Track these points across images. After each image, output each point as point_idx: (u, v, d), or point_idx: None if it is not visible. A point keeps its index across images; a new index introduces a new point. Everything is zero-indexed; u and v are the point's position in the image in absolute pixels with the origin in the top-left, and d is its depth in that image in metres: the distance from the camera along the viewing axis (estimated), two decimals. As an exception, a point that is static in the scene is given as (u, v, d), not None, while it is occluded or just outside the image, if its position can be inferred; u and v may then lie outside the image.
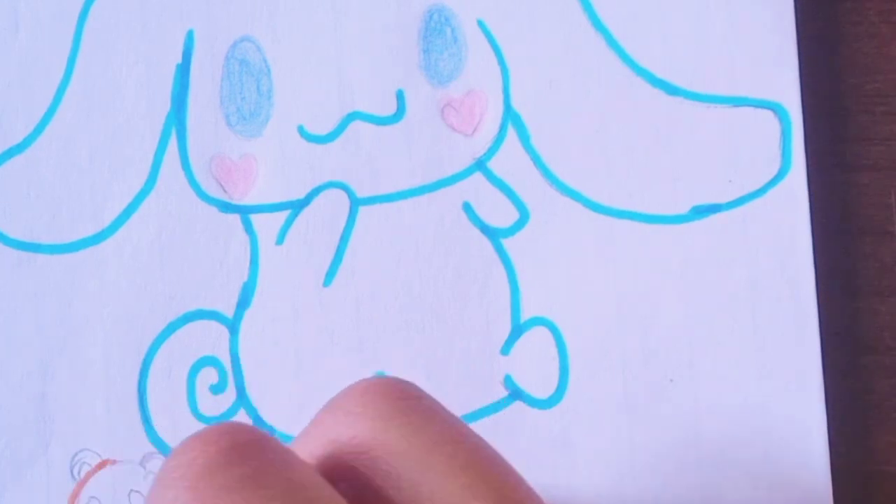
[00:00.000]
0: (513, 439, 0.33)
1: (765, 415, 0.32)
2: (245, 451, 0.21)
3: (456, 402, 0.33)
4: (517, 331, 0.33)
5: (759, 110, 0.33)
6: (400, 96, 0.34)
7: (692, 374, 0.33)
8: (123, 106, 0.34)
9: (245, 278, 0.33)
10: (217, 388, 0.33)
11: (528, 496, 0.22)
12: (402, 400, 0.23)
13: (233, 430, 0.22)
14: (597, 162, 0.33)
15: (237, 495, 0.20)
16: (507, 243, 0.33)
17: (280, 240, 0.33)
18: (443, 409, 0.24)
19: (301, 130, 0.34)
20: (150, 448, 0.33)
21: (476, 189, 0.33)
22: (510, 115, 0.33)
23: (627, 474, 0.33)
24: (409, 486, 0.22)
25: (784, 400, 0.32)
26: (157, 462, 0.33)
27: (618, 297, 0.33)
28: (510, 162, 0.33)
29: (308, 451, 0.23)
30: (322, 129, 0.34)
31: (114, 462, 0.33)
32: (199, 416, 0.33)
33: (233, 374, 0.33)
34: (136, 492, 0.33)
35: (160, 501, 0.21)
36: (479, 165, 0.33)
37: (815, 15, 0.34)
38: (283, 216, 0.34)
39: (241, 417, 0.33)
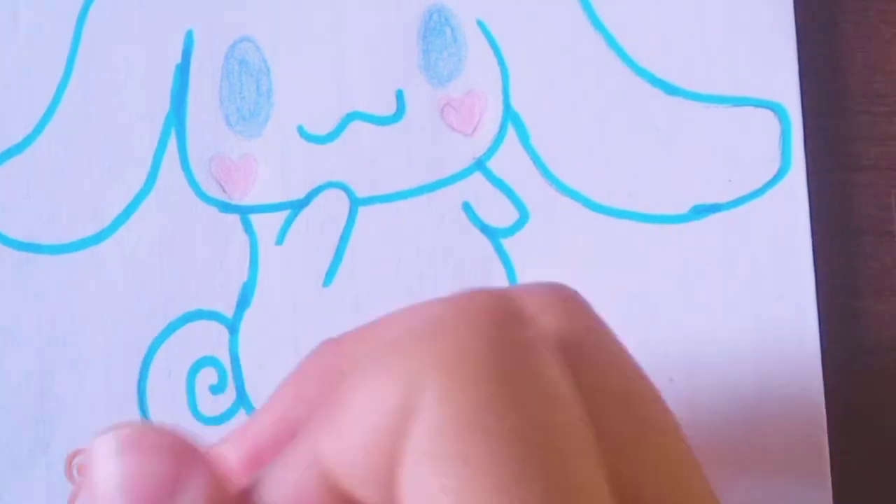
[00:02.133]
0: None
1: (764, 415, 0.32)
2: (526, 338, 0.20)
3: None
4: (517, 331, 0.33)
5: (759, 110, 0.33)
6: (399, 96, 0.34)
7: (692, 373, 0.33)
8: (123, 106, 0.34)
9: (245, 278, 0.33)
10: (217, 389, 0.33)
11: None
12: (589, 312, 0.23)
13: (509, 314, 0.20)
14: (596, 162, 0.33)
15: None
16: (506, 243, 0.33)
17: (280, 240, 0.33)
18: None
19: (301, 130, 0.34)
20: (150, 448, 0.33)
21: (476, 189, 0.33)
22: (510, 115, 0.33)
23: (627, 474, 0.33)
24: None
25: (784, 400, 0.32)
26: (156, 462, 0.33)
27: (617, 296, 0.33)
28: (510, 162, 0.33)
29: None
30: (322, 129, 0.34)
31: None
32: (198, 417, 0.33)
33: (232, 374, 0.33)
34: (136, 492, 0.33)
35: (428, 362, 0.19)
36: (479, 165, 0.33)
37: (814, 15, 0.34)
38: (282, 216, 0.34)
39: (241, 418, 0.33)
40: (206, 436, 0.33)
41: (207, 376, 0.33)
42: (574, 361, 0.21)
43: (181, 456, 0.20)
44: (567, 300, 0.23)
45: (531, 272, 0.33)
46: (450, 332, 0.19)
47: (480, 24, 0.34)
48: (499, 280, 0.33)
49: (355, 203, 0.33)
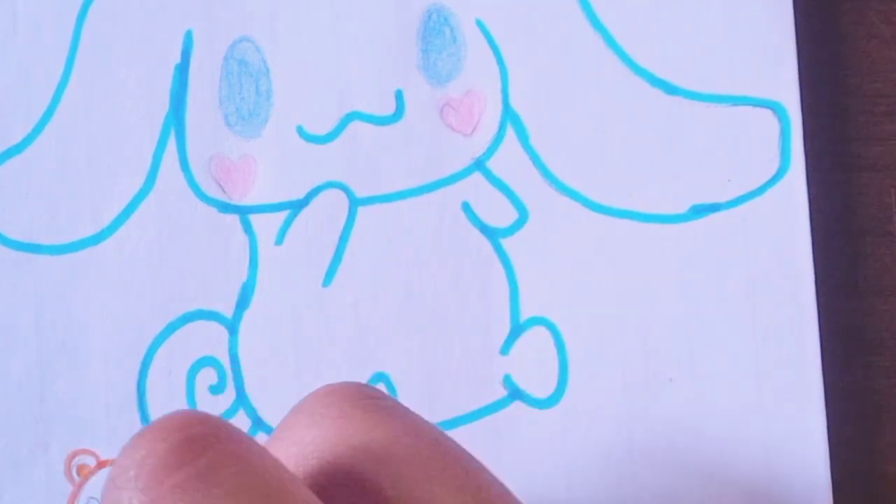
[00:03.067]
0: (512, 439, 0.33)
1: (764, 415, 0.32)
2: (197, 445, 0.20)
3: (455, 402, 0.33)
4: (516, 331, 0.33)
5: (759, 109, 0.33)
6: (399, 96, 0.34)
7: (692, 373, 0.33)
8: (122, 106, 0.34)
9: (244, 278, 0.33)
10: (216, 389, 0.33)
11: (490, 483, 0.22)
12: (363, 399, 0.23)
13: (184, 423, 0.20)
14: (596, 161, 0.33)
15: (192, 496, 0.19)
16: (506, 243, 0.33)
17: (279, 240, 0.33)
18: (404, 407, 0.24)
19: (300, 131, 0.34)
20: (150, 448, 0.33)
21: (475, 189, 0.33)
22: (509, 115, 0.33)
23: (626, 474, 0.33)
24: (372, 479, 0.22)
25: (784, 400, 0.32)
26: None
27: (617, 296, 0.33)
28: (509, 162, 0.33)
29: (275, 453, 0.23)
30: (321, 130, 0.34)
31: (113, 462, 0.33)
32: (198, 417, 0.33)
33: (232, 374, 0.33)
34: (136, 492, 0.33)
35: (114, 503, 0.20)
36: (478, 165, 0.33)
37: (814, 14, 0.34)
38: (282, 216, 0.33)
39: (241, 418, 0.33)
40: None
41: (207, 376, 0.33)
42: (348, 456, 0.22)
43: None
44: (327, 397, 0.23)
45: (530, 272, 0.33)
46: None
47: (480, 24, 0.34)
48: (498, 280, 0.33)
49: (355, 203, 0.33)
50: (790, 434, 0.32)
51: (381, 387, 0.33)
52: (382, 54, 0.34)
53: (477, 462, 0.23)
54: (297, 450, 0.23)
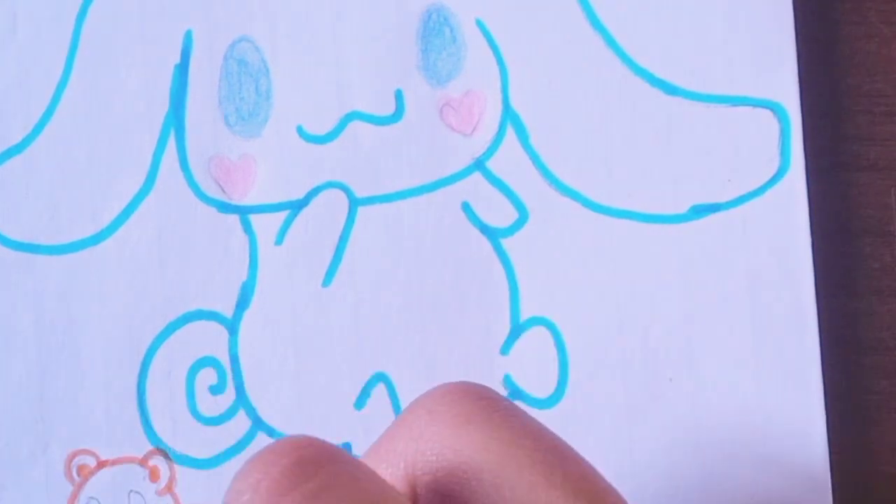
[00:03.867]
0: (512, 439, 0.33)
1: (764, 415, 0.32)
2: (309, 468, 0.21)
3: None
4: (516, 331, 0.33)
5: (758, 110, 0.33)
6: (399, 96, 0.34)
7: (691, 373, 0.33)
8: (122, 106, 0.34)
9: (244, 278, 0.33)
10: (216, 389, 0.33)
11: (606, 490, 0.23)
12: (483, 399, 0.23)
13: (296, 446, 0.21)
14: (596, 161, 0.33)
15: None
16: (506, 243, 0.33)
17: (279, 240, 0.33)
18: (523, 411, 0.24)
19: (300, 130, 0.34)
20: (150, 448, 0.33)
21: (475, 189, 0.33)
22: (509, 115, 0.33)
23: (627, 474, 0.33)
24: (490, 479, 0.22)
25: (783, 400, 0.32)
26: (156, 462, 0.33)
27: (617, 296, 0.33)
28: (509, 162, 0.33)
29: (393, 448, 0.23)
30: (321, 130, 0.34)
31: (113, 462, 0.33)
32: (198, 417, 0.33)
33: (232, 374, 0.33)
34: (136, 492, 0.33)
35: None
36: (478, 165, 0.33)
37: (814, 15, 0.34)
38: (282, 216, 0.33)
39: (241, 418, 0.33)
40: (206, 436, 0.33)
41: (207, 377, 0.33)
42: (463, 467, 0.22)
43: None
44: (443, 402, 0.24)
45: (530, 272, 0.33)
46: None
47: (479, 23, 0.34)
48: (498, 280, 0.33)
49: (354, 203, 0.33)
50: (790, 434, 0.32)
51: (381, 387, 0.33)
52: (382, 54, 0.34)
53: (593, 468, 0.23)
54: (416, 446, 0.23)
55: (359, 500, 0.21)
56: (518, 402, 0.33)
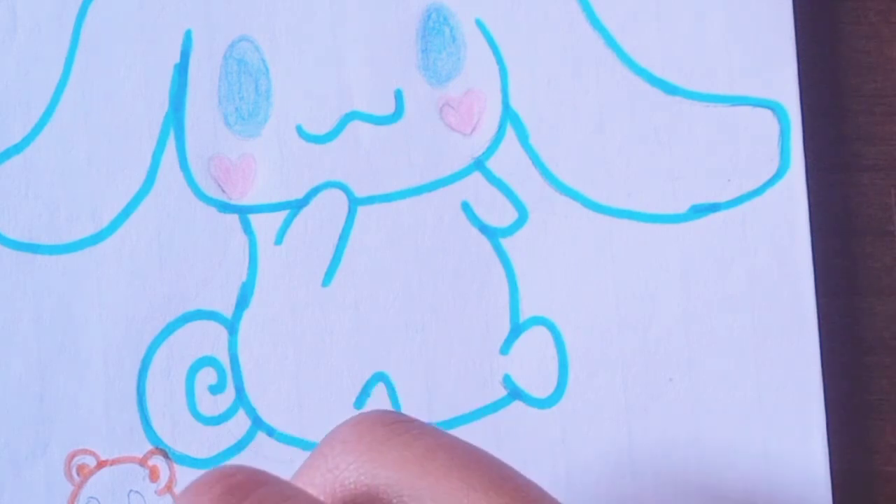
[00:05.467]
0: (512, 439, 0.33)
1: (764, 414, 0.32)
2: (238, 493, 0.21)
3: (455, 402, 0.33)
4: (516, 330, 0.33)
5: (758, 109, 0.33)
6: (398, 96, 0.33)
7: (691, 373, 0.33)
8: (122, 106, 0.34)
9: (244, 278, 0.33)
10: (216, 389, 0.33)
11: (528, 485, 0.23)
12: (395, 423, 0.24)
13: (224, 474, 0.22)
14: (595, 161, 0.33)
15: None
16: (505, 243, 0.33)
17: (279, 240, 0.33)
18: (435, 427, 0.24)
19: (300, 130, 0.34)
20: (150, 448, 0.33)
21: (475, 188, 0.33)
22: (509, 115, 0.33)
23: (627, 474, 0.33)
24: (410, 494, 0.22)
25: (783, 399, 0.32)
26: (156, 462, 0.33)
27: (617, 296, 0.33)
28: (509, 161, 0.33)
29: (311, 482, 0.23)
30: (320, 129, 0.34)
31: (113, 462, 0.33)
32: (198, 417, 0.33)
33: (232, 374, 0.33)
34: (136, 492, 0.33)
35: None
36: (478, 165, 0.33)
37: (814, 14, 0.34)
38: (281, 216, 0.33)
39: (241, 418, 0.33)
40: (206, 436, 0.33)
41: (207, 376, 0.33)
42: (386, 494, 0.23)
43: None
44: (354, 433, 0.24)
45: (530, 272, 0.33)
46: None
47: (479, 23, 0.33)
48: (498, 279, 0.33)
49: (354, 203, 0.33)
50: (790, 434, 0.32)
51: (381, 387, 0.33)
52: (382, 54, 0.34)
53: (511, 468, 0.23)
54: (333, 476, 0.23)
55: None
56: (518, 402, 0.33)
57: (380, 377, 0.33)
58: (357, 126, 0.34)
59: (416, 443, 0.23)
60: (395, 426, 0.24)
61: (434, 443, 0.23)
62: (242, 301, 0.33)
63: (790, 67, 0.33)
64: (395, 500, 0.22)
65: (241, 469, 0.22)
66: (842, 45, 0.34)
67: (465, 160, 0.33)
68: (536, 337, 0.33)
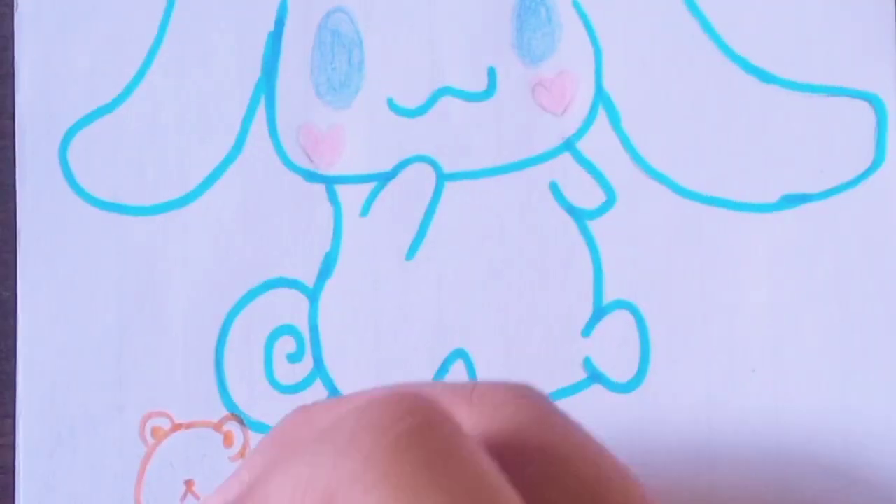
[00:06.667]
0: (590, 422, 0.32)
1: (847, 410, 0.32)
2: (439, 430, 0.20)
3: (533, 383, 0.33)
4: (599, 313, 0.33)
5: (855, 101, 0.33)
6: (491, 73, 0.33)
7: (775, 365, 0.32)
8: (214, 71, 0.34)
9: (328, 248, 0.33)
10: (294, 357, 0.33)
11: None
12: (549, 410, 0.24)
13: (429, 407, 0.21)
14: (687, 147, 0.33)
15: (429, 472, 0.20)
16: (592, 225, 0.33)
17: (364, 211, 0.33)
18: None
19: (390, 103, 0.34)
20: (225, 414, 0.33)
21: (564, 169, 0.33)
22: (601, 97, 0.33)
23: (704, 462, 0.32)
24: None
25: (868, 396, 0.32)
26: (231, 428, 0.33)
27: (702, 283, 0.33)
28: (599, 143, 0.33)
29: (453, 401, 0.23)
30: (411, 103, 0.33)
31: (188, 426, 0.33)
32: (274, 385, 0.33)
33: (311, 343, 0.33)
34: (209, 457, 0.33)
35: (348, 451, 0.20)
36: (568, 146, 0.33)
37: (911, 11, 0.34)
38: (368, 188, 0.33)
39: (317, 387, 0.33)
40: (282, 404, 0.33)
41: (285, 344, 0.33)
42: (523, 456, 0.22)
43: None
44: (520, 398, 0.24)
45: (615, 255, 0.33)
46: (358, 441, 0.20)
47: (576, 4, 0.33)
48: (582, 261, 0.33)
49: (442, 178, 0.33)
50: (873, 430, 0.32)
51: (459, 364, 0.33)
52: (476, 30, 0.33)
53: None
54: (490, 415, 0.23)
55: (475, 474, 0.20)
56: (597, 386, 0.33)
57: (459, 354, 0.33)
58: (448, 101, 0.33)
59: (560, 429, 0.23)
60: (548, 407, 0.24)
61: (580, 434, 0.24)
62: (325, 271, 0.33)
63: (890, 59, 0.33)
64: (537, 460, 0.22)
65: (431, 410, 0.21)
66: (930, 48, 0.34)
67: (556, 140, 0.33)
68: (619, 321, 0.33)
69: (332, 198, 0.33)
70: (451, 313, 0.33)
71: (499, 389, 0.24)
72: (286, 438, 0.25)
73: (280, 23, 0.34)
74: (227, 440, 0.33)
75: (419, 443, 0.20)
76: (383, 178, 0.33)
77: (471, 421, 0.23)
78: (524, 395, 0.24)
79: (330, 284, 0.33)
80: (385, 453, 0.20)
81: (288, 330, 0.33)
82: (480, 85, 0.33)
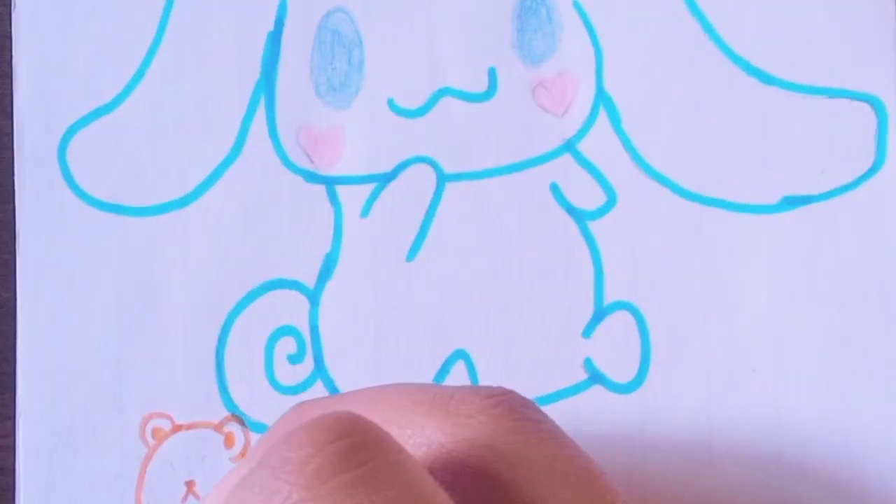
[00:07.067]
0: (590, 423, 0.33)
1: (847, 410, 0.32)
2: (363, 452, 0.21)
3: (535, 384, 0.33)
4: (599, 314, 0.33)
5: (856, 103, 0.33)
6: (492, 74, 0.33)
7: (775, 365, 0.32)
8: (213, 71, 0.34)
9: (328, 249, 0.33)
10: (295, 358, 0.33)
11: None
12: (523, 415, 0.24)
13: (350, 428, 0.21)
14: (687, 148, 0.33)
15: (351, 499, 0.20)
16: (592, 226, 0.33)
17: (365, 212, 0.33)
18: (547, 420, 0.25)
19: (391, 104, 0.33)
20: (226, 415, 0.33)
21: (564, 170, 0.33)
22: (602, 98, 0.33)
23: (705, 463, 0.32)
24: (506, 478, 0.23)
25: (868, 396, 0.32)
26: (231, 429, 0.33)
27: (703, 284, 0.33)
28: (600, 144, 0.33)
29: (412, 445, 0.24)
30: (412, 104, 0.33)
31: (188, 427, 0.33)
32: (275, 385, 0.33)
33: (311, 344, 0.33)
34: (210, 458, 0.33)
35: (269, 493, 0.21)
36: (569, 147, 0.33)
37: (909, 11, 0.34)
38: (368, 189, 0.33)
39: (318, 388, 0.33)
40: (283, 405, 0.33)
41: (286, 345, 0.33)
42: (487, 467, 0.22)
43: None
44: (495, 406, 0.24)
45: (616, 255, 0.33)
46: (284, 470, 0.21)
47: (577, 5, 0.33)
48: (583, 262, 0.33)
49: (443, 179, 0.33)
50: (874, 431, 0.32)
51: (460, 364, 0.33)
52: (477, 31, 0.33)
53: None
54: (425, 450, 0.23)
55: (406, 495, 0.21)
56: (598, 386, 0.33)
57: (460, 355, 0.33)
58: (449, 102, 0.33)
59: (517, 432, 0.23)
60: (524, 416, 0.24)
61: (534, 436, 0.24)
62: (325, 272, 0.33)
63: (890, 61, 0.33)
64: (489, 482, 0.22)
65: (368, 428, 0.21)
66: (928, 46, 0.34)
67: (556, 141, 0.33)
68: (620, 321, 0.33)
69: (333, 199, 0.33)
70: (452, 314, 0.33)
71: (476, 397, 0.24)
72: (279, 437, 0.25)
73: (280, 23, 0.34)
74: (228, 441, 0.33)
75: (338, 471, 0.20)
76: (384, 179, 0.33)
77: (445, 429, 0.23)
78: (500, 402, 0.24)
79: (330, 285, 0.33)
80: (304, 492, 0.20)
81: (288, 331, 0.33)
82: (481, 86, 0.33)
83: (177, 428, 0.33)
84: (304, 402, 0.26)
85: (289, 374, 0.33)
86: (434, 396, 0.24)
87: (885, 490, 0.32)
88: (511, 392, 0.24)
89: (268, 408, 0.33)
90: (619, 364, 0.33)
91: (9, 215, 0.34)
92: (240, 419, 0.33)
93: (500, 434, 0.23)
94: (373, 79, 0.34)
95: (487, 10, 0.33)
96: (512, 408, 0.24)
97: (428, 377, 0.33)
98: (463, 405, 0.23)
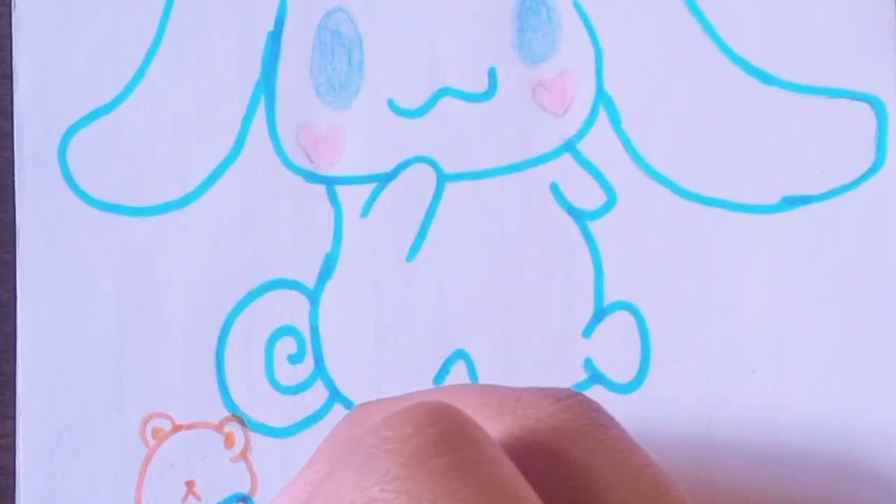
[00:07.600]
0: (590, 423, 0.33)
1: (847, 410, 0.32)
2: (461, 439, 0.21)
3: (535, 384, 0.33)
4: (600, 314, 0.33)
5: (856, 103, 0.33)
6: (492, 74, 0.33)
7: (775, 365, 0.32)
8: (213, 71, 0.34)
9: (328, 249, 0.33)
10: (295, 358, 0.33)
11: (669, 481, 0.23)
12: (591, 419, 0.24)
13: (450, 415, 0.22)
14: (687, 148, 0.33)
15: (447, 481, 0.20)
16: (593, 226, 0.33)
17: (365, 212, 0.33)
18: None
19: (391, 104, 0.33)
20: (226, 415, 0.33)
21: (564, 170, 0.33)
22: (602, 98, 0.33)
23: (704, 463, 0.32)
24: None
25: (868, 396, 0.32)
26: (232, 429, 0.33)
27: (703, 284, 0.33)
28: (600, 144, 0.33)
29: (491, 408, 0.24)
30: (412, 104, 0.33)
31: (188, 427, 0.33)
32: (275, 385, 0.33)
33: (311, 344, 0.33)
34: (210, 458, 0.33)
35: (366, 470, 0.21)
36: (569, 147, 0.33)
37: (909, 11, 0.34)
38: (368, 189, 0.33)
39: (318, 388, 0.33)
40: (283, 405, 0.33)
41: (286, 345, 0.33)
42: (560, 470, 0.23)
43: None
44: (564, 410, 0.24)
45: (616, 255, 0.33)
46: (376, 458, 0.21)
47: (577, 5, 0.33)
48: (583, 262, 0.33)
49: (443, 179, 0.33)
50: (874, 431, 0.32)
51: (460, 364, 0.33)
52: (477, 31, 0.33)
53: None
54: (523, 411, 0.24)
55: (497, 482, 0.21)
56: (598, 386, 0.33)
57: (460, 355, 0.33)
58: (449, 102, 0.33)
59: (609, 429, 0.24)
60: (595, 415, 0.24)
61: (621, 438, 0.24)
62: (325, 272, 0.33)
63: (890, 61, 0.33)
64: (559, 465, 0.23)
65: (466, 418, 0.22)
66: (928, 46, 0.34)
67: (556, 141, 0.33)
68: (620, 321, 0.33)
69: (333, 199, 0.33)
70: (452, 314, 0.33)
71: (544, 399, 0.24)
72: (343, 438, 0.25)
73: (280, 23, 0.34)
74: (228, 441, 0.33)
75: (437, 454, 0.20)
76: (384, 179, 0.33)
77: (513, 431, 0.23)
78: (569, 406, 0.24)
79: (330, 285, 0.33)
80: (402, 469, 0.20)
81: (288, 331, 0.33)
82: (481, 86, 0.33)
83: (177, 428, 0.33)
84: (365, 403, 0.26)
85: (289, 374, 0.33)
86: (501, 398, 0.24)
87: (886, 490, 0.32)
88: (579, 394, 0.24)
89: (268, 408, 0.33)
90: (619, 364, 0.33)
91: (9, 215, 0.34)
92: (240, 419, 0.33)
93: (568, 438, 0.23)
94: (373, 79, 0.34)
95: (487, 10, 0.33)
96: (581, 411, 0.24)
97: (428, 377, 0.33)
98: (531, 408, 0.24)
